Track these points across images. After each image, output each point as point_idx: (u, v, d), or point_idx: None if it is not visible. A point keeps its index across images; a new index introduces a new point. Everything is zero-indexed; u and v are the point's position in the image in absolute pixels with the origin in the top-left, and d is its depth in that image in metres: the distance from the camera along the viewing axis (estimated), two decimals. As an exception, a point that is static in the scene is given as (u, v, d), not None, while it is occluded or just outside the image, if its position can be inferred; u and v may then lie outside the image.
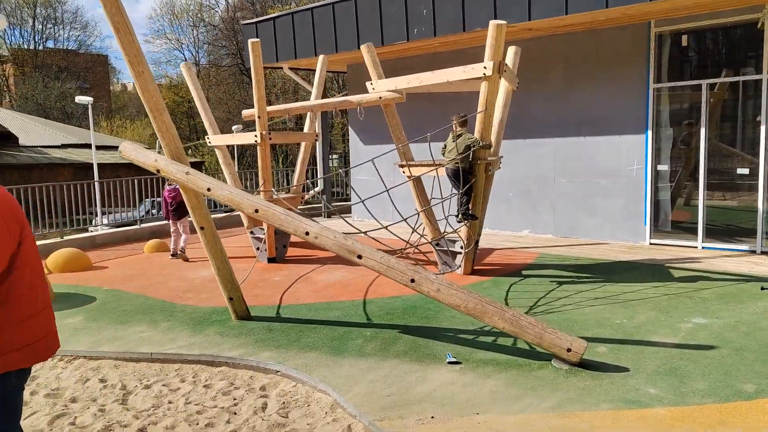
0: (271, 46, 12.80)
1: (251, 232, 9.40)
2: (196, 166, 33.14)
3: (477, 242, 8.26)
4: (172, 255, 9.62)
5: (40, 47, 59.23)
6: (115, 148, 35.01)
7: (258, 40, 7.87)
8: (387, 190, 6.62)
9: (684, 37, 9.44)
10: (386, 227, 6.45)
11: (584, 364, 4.68)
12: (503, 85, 8.39)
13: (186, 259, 9.31)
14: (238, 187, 9.40)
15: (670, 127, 9.71)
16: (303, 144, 9.62)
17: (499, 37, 6.79)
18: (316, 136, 9.57)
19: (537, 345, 4.71)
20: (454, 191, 7.51)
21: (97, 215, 18.22)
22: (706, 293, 6.76)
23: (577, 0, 8.76)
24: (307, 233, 5.01)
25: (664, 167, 9.79)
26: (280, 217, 5.06)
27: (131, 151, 5.40)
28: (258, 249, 9.31)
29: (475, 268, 8.34)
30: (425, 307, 6.47)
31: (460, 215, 7.49)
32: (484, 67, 6.91)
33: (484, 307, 4.72)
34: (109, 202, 15.24)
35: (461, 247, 7.86)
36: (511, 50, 8.57)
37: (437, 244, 8.23)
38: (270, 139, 8.34)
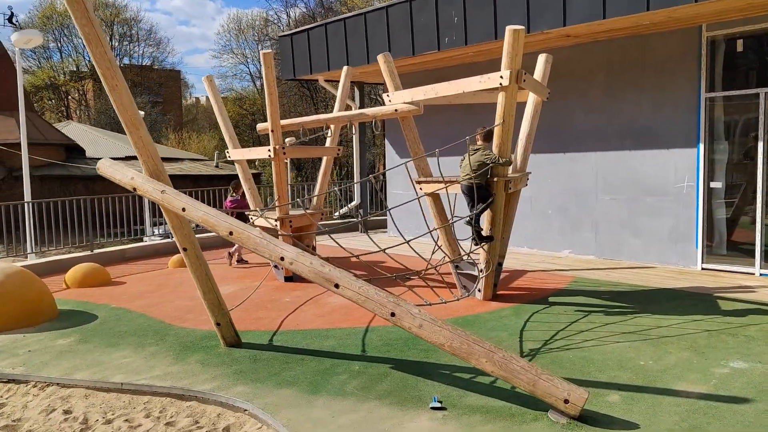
0: (306, 58, 12.58)
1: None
2: (255, 177, 33.52)
3: (500, 264, 7.66)
4: (238, 261, 10.34)
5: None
6: (179, 160, 35.97)
7: (270, 51, 7.58)
8: (399, 205, 6.16)
9: (739, 42, 8.53)
10: (408, 242, 5.96)
11: (586, 418, 4.04)
12: (531, 97, 7.79)
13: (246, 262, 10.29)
14: (257, 203, 9.13)
15: (724, 140, 8.80)
16: (324, 159, 9.26)
17: (516, 43, 6.23)
18: (338, 150, 9.20)
19: (530, 393, 4.11)
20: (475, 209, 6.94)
21: (153, 225, 18.58)
22: (753, 330, 5.92)
23: (615, 3, 8.05)
24: (282, 258, 4.61)
25: (718, 184, 8.86)
26: (254, 240, 4.67)
27: (108, 168, 5.16)
28: (276, 267, 9.00)
29: (499, 293, 7.73)
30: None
31: (474, 236, 6.93)
32: (501, 77, 6.35)
33: (471, 348, 4.17)
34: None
35: (480, 271, 7.28)
36: (542, 58, 7.96)
37: (456, 266, 7.66)
38: (284, 153, 8.02)
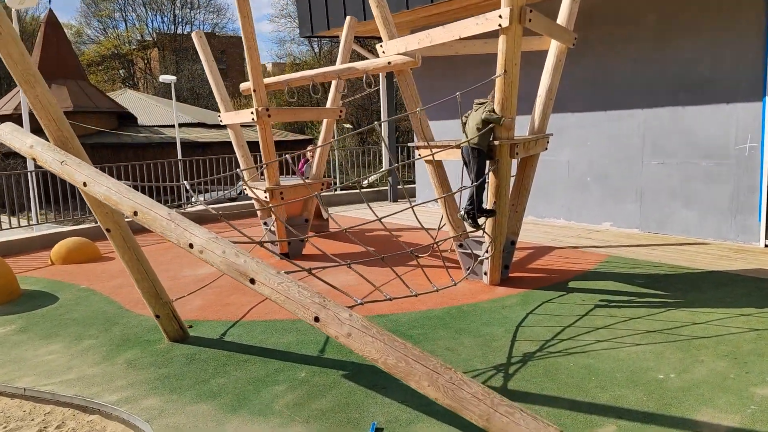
0: (323, 12, 11.54)
1: (264, 224, 8.29)
2: (308, 142, 32.90)
3: (513, 243, 6.55)
4: None
5: (179, 31, 62.19)
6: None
7: (245, -4, 6.60)
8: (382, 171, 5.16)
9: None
10: (412, 207, 5.03)
11: (559, 465, 3.00)
12: (553, 44, 6.53)
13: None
14: (251, 172, 8.29)
15: (799, 92, 7.26)
16: (325, 121, 8.30)
17: (518, -28, 5.02)
18: (341, 111, 8.21)
19: (484, 428, 3.09)
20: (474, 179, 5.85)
21: (188, 192, 18.28)
22: (818, 333, 4.64)
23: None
24: (191, 245, 3.72)
25: (789, 145, 7.36)
26: (161, 223, 3.80)
27: (7, 135, 4.40)
28: (273, 243, 8.19)
29: (512, 275, 6.64)
30: (409, 334, 4.97)
31: (463, 211, 5.86)
32: (499, 16, 5.17)
33: (410, 366, 3.17)
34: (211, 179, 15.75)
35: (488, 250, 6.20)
36: (567, -5, 6.64)
37: (460, 245, 6.61)
38: (269, 116, 7.10)
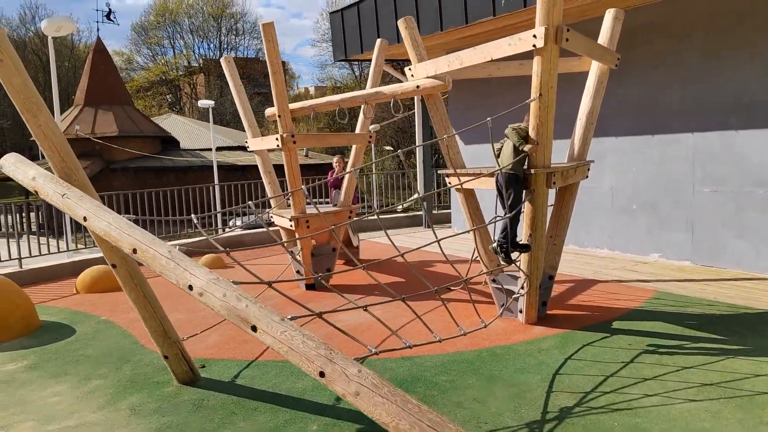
0: (356, 36, 11.34)
1: (290, 252, 8.00)
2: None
3: (551, 278, 6.08)
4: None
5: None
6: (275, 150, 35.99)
7: (271, 21, 6.40)
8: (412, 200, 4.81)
9: None
10: (438, 241, 4.62)
11: None
12: (594, 65, 6.11)
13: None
14: (278, 200, 8.04)
15: None
16: (354, 147, 8.00)
17: (554, -11, 4.64)
18: (370, 136, 7.91)
19: None
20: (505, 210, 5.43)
21: (227, 216, 18.33)
22: None
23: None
24: (190, 287, 3.41)
25: None
26: (161, 262, 3.51)
27: (10, 167, 4.20)
28: (298, 273, 7.90)
29: (550, 312, 6.16)
30: (435, 381, 4.56)
31: (497, 245, 5.44)
32: (534, 36, 4.79)
33: (425, 433, 2.77)
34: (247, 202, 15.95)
35: (523, 287, 5.75)
36: (609, 14, 6.23)
37: (494, 280, 6.17)
38: (294, 142, 6.84)
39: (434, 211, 12.90)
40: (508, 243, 5.42)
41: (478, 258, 6.16)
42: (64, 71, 53.28)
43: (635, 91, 8.54)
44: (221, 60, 8.28)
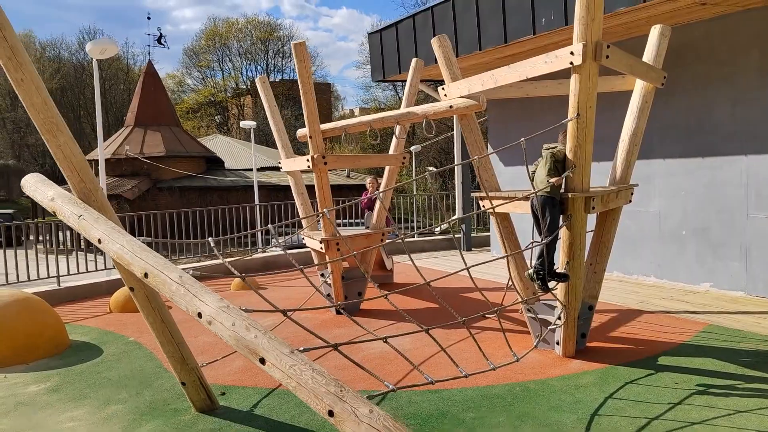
0: (394, 56, 11.24)
1: (321, 275, 7.84)
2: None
3: (591, 308, 5.72)
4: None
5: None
6: (309, 171, 36.29)
7: (302, 41, 6.32)
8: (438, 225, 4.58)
9: None
10: (468, 268, 4.36)
11: None
12: (639, 84, 5.79)
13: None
14: (310, 221, 7.90)
15: None
16: (387, 169, 7.82)
17: (593, 5, 4.39)
18: (404, 158, 7.72)
19: None
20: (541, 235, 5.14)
21: (267, 236, 18.40)
22: None
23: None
24: (199, 315, 3.25)
25: None
26: (171, 287, 3.37)
27: (30, 187, 4.16)
28: (328, 296, 7.72)
29: (590, 345, 5.80)
30: (462, 417, 4.28)
31: (533, 272, 5.14)
32: (571, 53, 4.54)
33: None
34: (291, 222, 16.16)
35: (560, 318, 5.42)
36: (655, 30, 5.93)
37: (529, 309, 5.85)
38: (325, 163, 6.71)
39: (474, 234, 12.58)
40: (545, 270, 5.12)
41: (512, 285, 5.86)
42: (119, 93, 55.16)
43: (683, 111, 8.14)
44: (256, 80, 8.26)
